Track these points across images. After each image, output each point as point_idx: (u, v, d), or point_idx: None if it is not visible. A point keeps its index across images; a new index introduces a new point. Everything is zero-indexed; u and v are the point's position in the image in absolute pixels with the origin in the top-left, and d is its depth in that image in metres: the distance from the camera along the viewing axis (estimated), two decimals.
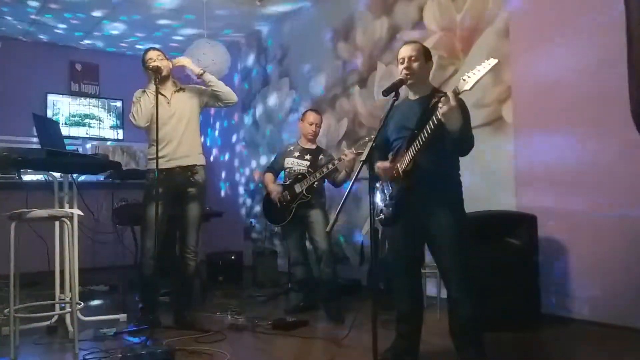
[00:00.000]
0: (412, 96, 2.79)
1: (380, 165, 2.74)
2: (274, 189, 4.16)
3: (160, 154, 3.47)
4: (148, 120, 3.57)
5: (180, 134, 3.63)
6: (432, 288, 3.95)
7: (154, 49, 3.73)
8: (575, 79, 3.51)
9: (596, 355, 2.96)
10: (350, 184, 2.52)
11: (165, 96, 3.63)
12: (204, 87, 3.77)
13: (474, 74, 2.30)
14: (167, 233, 3.73)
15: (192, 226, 3.68)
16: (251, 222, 6.67)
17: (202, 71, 3.71)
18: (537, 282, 3.47)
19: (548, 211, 3.53)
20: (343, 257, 5.14)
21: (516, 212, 3.67)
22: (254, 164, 6.74)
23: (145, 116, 3.57)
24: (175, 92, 3.70)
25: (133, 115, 3.61)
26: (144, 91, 3.60)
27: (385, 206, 2.77)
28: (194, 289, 3.92)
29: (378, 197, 2.82)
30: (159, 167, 3.40)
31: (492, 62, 2.29)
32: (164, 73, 3.58)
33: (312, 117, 4.17)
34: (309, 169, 4.08)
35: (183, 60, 3.76)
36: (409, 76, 2.67)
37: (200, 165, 3.72)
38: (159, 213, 3.40)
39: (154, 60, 3.58)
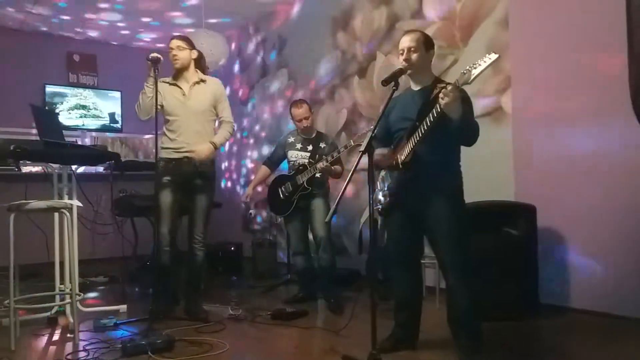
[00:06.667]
0: (414, 86, 2.78)
1: (379, 152, 2.73)
2: (248, 192, 4.36)
3: (171, 145, 3.56)
4: (149, 113, 3.53)
5: (192, 126, 3.60)
6: (431, 278, 3.95)
7: (177, 37, 3.67)
8: (574, 69, 3.49)
9: (595, 345, 2.97)
10: (349, 176, 2.50)
11: (180, 88, 3.61)
12: (219, 84, 3.75)
13: (475, 67, 2.30)
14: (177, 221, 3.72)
15: (199, 217, 3.67)
16: (250, 213, 6.67)
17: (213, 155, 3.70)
18: (536, 271, 3.48)
19: (547, 201, 3.53)
20: (342, 247, 5.15)
21: (515, 202, 3.66)
22: (254, 154, 6.73)
23: (144, 109, 3.56)
24: (195, 83, 3.63)
25: (136, 107, 3.61)
26: (161, 81, 3.50)
27: (383, 196, 2.78)
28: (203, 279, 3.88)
29: (377, 187, 2.82)
30: (169, 156, 3.56)
31: (493, 56, 2.30)
32: (183, 64, 3.56)
33: (297, 113, 4.10)
34: (310, 160, 4.08)
35: (201, 154, 3.57)
36: (407, 67, 2.67)
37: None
38: (169, 201, 3.49)
39: (172, 49, 3.56)
